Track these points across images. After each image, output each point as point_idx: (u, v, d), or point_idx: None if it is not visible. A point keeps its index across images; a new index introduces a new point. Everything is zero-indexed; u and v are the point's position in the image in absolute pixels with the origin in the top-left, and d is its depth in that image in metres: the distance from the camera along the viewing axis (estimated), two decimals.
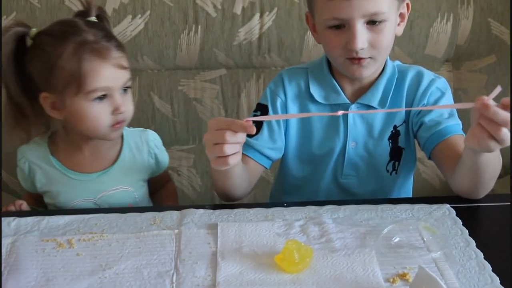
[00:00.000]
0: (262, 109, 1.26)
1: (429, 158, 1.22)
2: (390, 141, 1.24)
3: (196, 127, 1.71)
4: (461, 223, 1.05)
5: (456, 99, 1.27)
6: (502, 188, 1.28)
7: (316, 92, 1.23)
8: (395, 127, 1.24)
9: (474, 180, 1.08)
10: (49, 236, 1.04)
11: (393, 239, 1.01)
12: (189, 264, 0.96)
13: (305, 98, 1.25)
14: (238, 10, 1.62)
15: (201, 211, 1.11)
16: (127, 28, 1.60)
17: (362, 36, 1.09)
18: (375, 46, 1.11)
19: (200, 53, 1.65)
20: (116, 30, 1.59)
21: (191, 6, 1.61)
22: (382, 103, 1.21)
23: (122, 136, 1.29)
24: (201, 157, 1.73)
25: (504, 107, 0.87)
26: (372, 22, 1.10)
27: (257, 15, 1.62)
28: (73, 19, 1.21)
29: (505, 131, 0.88)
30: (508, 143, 0.90)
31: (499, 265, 0.93)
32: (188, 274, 0.93)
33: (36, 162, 1.27)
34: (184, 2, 1.61)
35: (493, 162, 1.04)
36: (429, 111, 1.20)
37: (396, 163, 1.27)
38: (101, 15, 1.24)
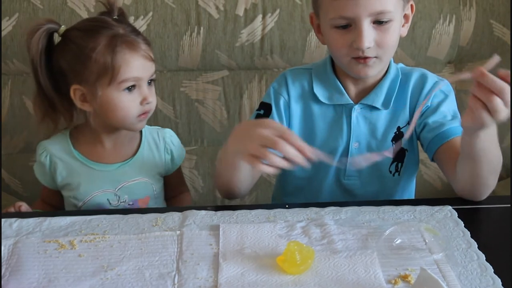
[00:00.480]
0: (265, 108, 1.26)
1: (432, 160, 1.22)
2: (393, 142, 1.24)
3: (198, 129, 1.71)
4: (463, 224, 1.05)
5: (459, 101, 1.28)
6: (504, 190, 1.28)
7: (319, 92, 1.24)
8: (398, 128, 1.24)
9: (473, 172, 1.07)
10: (51, 237, 1.04)
11: (395, 240, 1.01)
12: (190, 265, 0.96)
13: (309, 98, 1.25)
14: (240, 11, 1.62)
15: (203, 212, 1.11)
16: None
17: (368, 35, 1.10)
18: (381, 46, 1.12)
19: (202, 54, 1.65)
20: None
21: (194, 7, 1.62)
22: (385, 104, 1.21)
23: (140, 132, 1.34)
24: (203, 158, 1.73)
25: (501, 78, 0.89)
26: (378, 22, 1.10)
27: (259, 17, 1.62)
28: (101, 16, 1.26)
29: (498, 101, 0.89)
30: (502, 116, 0.90)
31: (501, 267, 0.93)
32: (190, 275, 0.93)
33: (58, 155, 1.30)
34: (187, 4, 1.62)
35: (489, 149, 1.03)
36: (433, 113, 1.20)
37: (399, 164, 1.27)
38: (122, 16, 1.29)
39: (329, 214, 1.09)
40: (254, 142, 0.98)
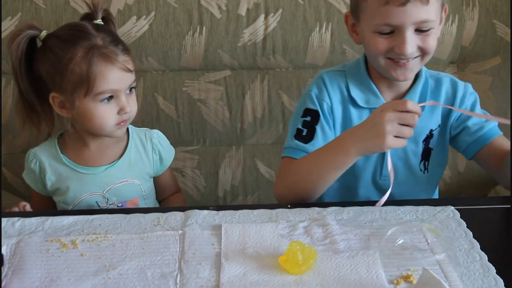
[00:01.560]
0: (312, 114, 1.27)
1: (470, 159, 1.27)
2: (424, 142, 1.28)
3: (200, 128, 1.71)
4: (465, 225, 1.05)
5: None
6: (506, 190, 1.28)
7: (357, 95, 1.26)
8: (430, 131, 1.28)
9: None
10: (53, 236, 1.04)
11: (397, 241, 1.01)
12: (193, 265, 0.96)
13: (347, 101, 1.28)
14: (242, 11, 1.62)
15: (205, 212, 1.11)
16: (132, 29, 1.61)
17: (411, 41, 1.13)
18: (423, 50, 1.16)
19: (205, 54, 1.65)
20: (120, 31, 1.59)
21: (196, 7, 1.62)
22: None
23: (128, 133, 1.34)
24: (205, 158, 1.73)
25: None
26: (420, 30, 1.13)
27: (262, 17, 1.62)
28: (81, 23, 1.25)
29: None
30: None
31: (504, 268, 0.93)
32: (192, 275, 0.93)
33: (46, 161, 1.31)
34: (189, 3, 1.62)
35: None
36: (470, 116, 1.26)
37: (426, 162, 1.31)
38: (107, 17, 1.30)
39: (331, 214, 1.09)
40: (392, 122, 1.04)
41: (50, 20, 1.59)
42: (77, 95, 1.20)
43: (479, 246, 0.99)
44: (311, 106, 1.27)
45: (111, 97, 1.22)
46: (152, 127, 1.65)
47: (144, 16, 1.61)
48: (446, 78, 1.30)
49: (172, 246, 1.01)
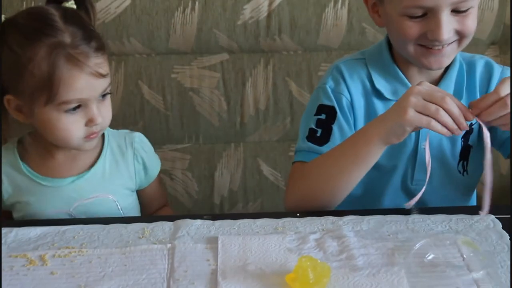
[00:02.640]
0: (327, 111, 1.27)
1: (507, 158, 1.28)
2: (462, 139, 1.29)
3: (192, 123, 1.72)
4: (508, 237, 1.06)
5: None
6: None
7: (382, 86, 1.27)
8: (470, 125, 1.27)
9: None
10: (18, 251, 1.04)
11: (427, 256, 1.01)
12: (184, 284, 0.96)
13: (371, 94, 1.28)
14: None
15: (198, 222, 1.11)
16: (111, 4, 1.62)
17: (448, 26, 1.13)
18: (461, 34, 1.16)
19: (198, 34, 1.66)
20: (97, 7, 1.60)
21: None
22: (457, 96, 1.23)
23: (103, 137, 1.31)
24: (198, 158, 1.74)
25: None
26: (457, 10, 1.13)
27: None
28: (47, 10, 1.18)
29: None
30: None
31: None
32: None
33: (4, 170, 1.27)
34: None
35: None
36: None
37: (465, 163, 1.31)
38: (80, 3, 1.23)
39: (348, 225, 1.10)
40: (417, 97, 1.05)
41: None
42: (37, 102, 1.15)
43: None
44: (326, 102, 1.27)
45: (78, 106, 1.17)
46: (135, 122, 1.66)
47: None
48: (481, 61, 1.30)
49: (160, 263, 1.01)
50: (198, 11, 1.63)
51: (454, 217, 1.11)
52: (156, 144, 1.70)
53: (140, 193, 1.39)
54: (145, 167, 1.35)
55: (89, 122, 1.18)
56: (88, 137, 1.21)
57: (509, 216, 1.11)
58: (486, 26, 1.67)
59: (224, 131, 1.74)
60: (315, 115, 1.27)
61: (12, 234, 1.09)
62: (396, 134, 1.09)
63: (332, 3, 1.63)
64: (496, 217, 1.11)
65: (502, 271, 0.97)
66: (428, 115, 1.05)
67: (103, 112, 1.20)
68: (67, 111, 1.17)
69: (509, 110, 1.03)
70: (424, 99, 1.05)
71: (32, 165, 1.28)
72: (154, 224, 1.11)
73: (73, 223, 1.12)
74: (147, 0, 1.62)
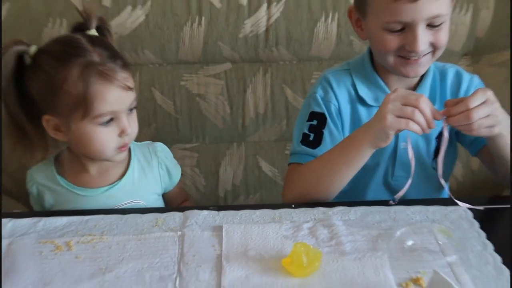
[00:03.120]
0: (319, 117, 1.27)
1: (474, 156, 1.29)
2: (436, 140, 1.29)
3: (199, 125, 1.72)
4: (478, 225, 1.06)
5: None
6: None
7: (365, 94, 1.27)
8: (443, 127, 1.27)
9: (509, 166, 1.17)
10: (46, 238, 1.05)
11: (407, 242, 1.02)
12: (192, 267, 0.97)
13: (355, 101, 1.28)
14: (244, 0, 1.62)
15: (205, 212, 1.12)
16: (127, 20, 1.61)
17: (423, 38, 1.13)
18: (434, 46, 1.16)
19: (204, 46, 1.66)
20: (114, 23, 1.60)
21: None
22: (431, 102, 1.24)
23: (129, 150, 1.30)
24: (205, 156, 1.74)
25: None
26: (431, 25, 1.14)
27: (264, 6, 1.63)
28: (74, 36, 1.18)
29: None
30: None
31: None
32: (192, 278, 0.94)
33: (44, 184, 1.28)
34: None
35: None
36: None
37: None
38: (102, 27, 1.23)
39: (337, 214, 1.10)
40: (395, 103, 1.06)
41: (41, 11, 1.60)
42: (74, 118, 1.14)
43: (492, 248, 1.00)
44: (316, 109, 1.28)
45: (111, 119, 1.17)
46: (149, 124, 1.66)
47: (140, 6, 1.61)
48: (452, 70, 1.31)
49: (171, 248, 1.02)
50: (204, 26, 1.63)
51: (430, 208, 1.12)
52: (167, 143, 1.69)
53: (164, 195, 1.38)
54: (169, 173, 1.35)
55: (121, 133, 1.18)
56: (120, 148, 1.20)
57: (479, 207, 1.12)
58: (460, 39, 1.67)
59: (227, 132, 1.74)
60: (307, 121, 1.28)
61: (41, 223, 1.10)
62: (382, 138, 1.09)
63: (323, 19, 1.63)
64: (468, 208, 1.11)
65: (472, 255, 0.98)
66: (405, 117, 1.05)
67: (132, 124, 1.20)
68: (101, 123, 1.16)
69: (472, 121, 1.04)
70: (401, 104, 1.06)
71: (68, 178, 1.27)
72: (166, 214, 1.12)
73: (95, 213, 1.13)
74: (159, 16, 1.62)
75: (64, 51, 1.15)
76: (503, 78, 1.67)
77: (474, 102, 1.05)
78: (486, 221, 1.07)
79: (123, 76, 1.17)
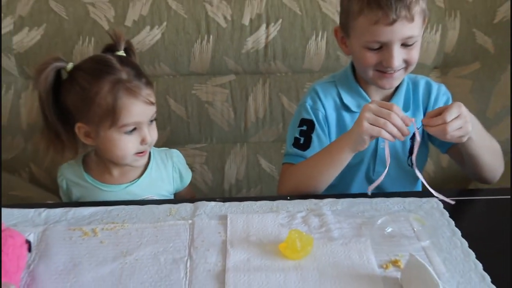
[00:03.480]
0: (307, 123, 1.27)
1: (444, 153, 1.29)
2: (411, 140, 1.28)
3: (207, 128, 1.71)
4: (448, 215, 1.05)
5: None
6: (485, 184, 1.28)
7: (349, 101, 1.26)
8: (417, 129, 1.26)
9: (477, 164, 1.18)
10: (75, 225, 1.04)
11: (386, 229, 1.01)
12: (201, 251, 0.96)
13: (340, 108, 1.28)
14: (246, 21, 1.62)
15: (212, 203, 1.11)
16: (146, 37, 1.61)
17: (398, 55, 1.13)
18: (407, 62, 1.16)
19: (212, 60, 1.65)
20: (135, 40, 1.59)
21: (204, 17, 1.62)
22: (405, 108, 1.26)
23: (149, 154, 1.29)
24: (212, 154, 1.73)
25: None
26: (405, 44, 1.14)
27: (264, 26, 1.62)
28: (106, 56, 1.18)
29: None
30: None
31: (482, 253, 0.94)
32: (201, 260, 0.94)
33: (72, 179, 1.27)
34: (197, 14, 1.62)
35: (480, 146, 1.14)
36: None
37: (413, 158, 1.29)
38: (129, 49, 1.24)
39: (326, 205, 1.09)
40: (369, 114, 1.06)
41: (72, 30, 1.59)
42: (102, 126, 1.15)
43: (460, 234, 0.99)
44: (306, 116, 1.27)
45: (134, 129, 1.16)
46: (164, 127, 1.66)
47: (157, 26, 1.61)
48: (422, 81, 1.30)
49: (183, 234, 1.01)
50: (212, 42, 1.62)
51: (407, 199, 1.11)
52: (180, 144, 1.71)
53: (175, 194, 1.37)
54: (181, 177, 1.33)
55: (142, 141, 1.18)
56: (138, 154, 1.20)
57: (452, 201, 1.11)
58: (431, 54, 1.66)
59: (232, 134, 1.73)
60: (298, 126, 1.28)
61: (71, 212, 1.09)
62: (360, 143, 1.09)
63: (314, 37, 1.62)
64: (439, 199, 1.10)
65: (443, 240, 0.98)
66: (378, 126, 1.05)
67: (152, 134, 1.20)
68: (125, 132, 1.16)
69: (447, 134, 1.05)
70: (375, 114, 1.06)
71: (94, 176, 1.26)
72: (179, 205, 1.11)
73: (117, 204, 1.12)
74: (173, 35, 1.61)
75: (98, 68, 1.15)
76: (468, 88, 1.67)
77: (450, 116, 1.04)
78: (454, 211, 1.07)
79: (147, 93, 1.17)
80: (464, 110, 1.06)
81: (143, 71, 1.21)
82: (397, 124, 1.05)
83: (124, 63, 1.17)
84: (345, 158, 1.13)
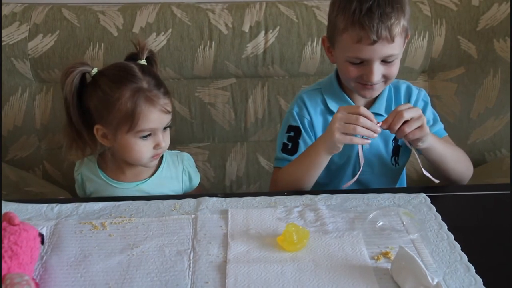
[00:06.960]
0: (294, 130, 1.27)
1: (420, 154, 1.25)
2: (393, 141, 1.28)
3: (210, 128, 1.71)
4: (435, 209, 1.05)
5: (432, 105, 1.31)
6: (471, 180, 1.28)
7: (334, 107, 1.25)
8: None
9: (444, 168, 1.19)
10: (86, 219, 1.03)
11: (378, 223, 1.00)
12: (204, 244, 0.95)
13: (326, 113, 1.27)
14: (246, 28, 1.61)
15: (214, 199, 1.10)
16: (152, 43, 1.59)
17: (378, 71, 1.13)
18: (386, 77, 1.16)
19: (214, 64, 1.64)
20: None
21: (207, 25, 1.61)
22: (387, 111, 1.24)
23: (162, 156, 1.28)
24: (214, 153, 1.73)
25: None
26: (386, 61, 1.13)
27: (262, 33, 1.61)
28: (129, 65, 1.18)
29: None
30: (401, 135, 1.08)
31: (467, 245, 0.93)
32: (203, 252, 0.93)
33: (87, 175, 1.27)
34: (201, 22, 1.61)
35: (442, 153, 1.16)
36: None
37: (396, 157, 1.30)
38: (151, 58, 1.23)
39: (321, 200, 1.09)
40: (340, 122, 1.06)
41: (84, 37, 1.58)
42: (120, 130, 1.14)
43: (446, 227, 0.99)
44: (293, 123, 1.27)
45: (149, 134, 1.16)
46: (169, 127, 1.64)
47: (163, 33, 1.60)
48: (404, 85, 1.30)
49: (186, 228, 1.00)
50: (214, 48, 1.61)
51: (397, 195, 1.10)
52: (184, 143, 1.70)
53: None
54: (190, 179, 1.32)
55: (156, 146, 1.17)
56: (153, 157, 1.19)
57: (436, 194, 1.10)
58: (418, 60, 1.65)
59: (232, 133, 1.72)
60: (286, 133, 1.27)
61: (81, 207, 1.08)
62: (334, 148, 1.10)
63: (309, 43, 1.61)
64: (427, 195, 1.10)
65: (430, 233, 0.97)
66: (349, 134, 1.06)
67: (165, 140, 1.19)
68: (141, 137, 1.15)
69: (405, 133, 1.06)
70: (344, 122, 1.06)
71: (107, 173, 1.26)
72: (182, 200, 1.10)
73: (125, 199, 1.11)
74: (178, 41, 1.60)
75: (120, 75, 1.15)
76: (453, 90, 1.66)
77: (407, 114, 1.06)
78: (441, 205, 1.06)
79: (165, 102, 1.16)
80: (422, 114, 1.07)
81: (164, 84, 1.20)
82: (366, 125, 1.05)
83: (146, 72, 1.16)
84: (323, 161, 1.14)
